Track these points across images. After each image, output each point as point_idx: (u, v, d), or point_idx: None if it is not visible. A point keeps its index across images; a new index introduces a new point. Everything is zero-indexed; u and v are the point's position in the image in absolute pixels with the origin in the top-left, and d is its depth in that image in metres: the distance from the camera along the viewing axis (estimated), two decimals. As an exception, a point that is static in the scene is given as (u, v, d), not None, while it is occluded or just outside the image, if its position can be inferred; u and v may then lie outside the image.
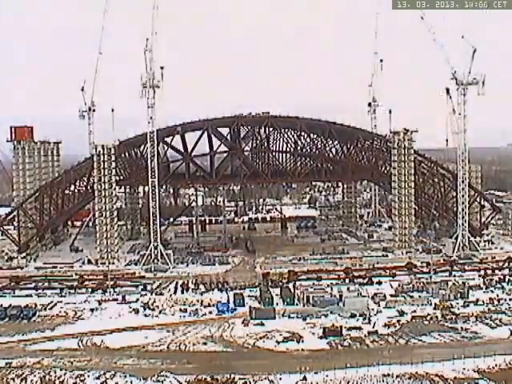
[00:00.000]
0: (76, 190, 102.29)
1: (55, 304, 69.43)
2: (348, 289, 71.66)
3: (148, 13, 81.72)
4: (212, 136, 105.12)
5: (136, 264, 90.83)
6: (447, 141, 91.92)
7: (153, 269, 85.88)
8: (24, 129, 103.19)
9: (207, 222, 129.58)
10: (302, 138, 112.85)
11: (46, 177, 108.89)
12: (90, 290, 74.98)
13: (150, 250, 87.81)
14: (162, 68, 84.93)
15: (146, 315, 65.11)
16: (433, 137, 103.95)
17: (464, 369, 48.77)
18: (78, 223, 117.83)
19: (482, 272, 79.71)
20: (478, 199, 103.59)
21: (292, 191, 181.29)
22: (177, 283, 77.83)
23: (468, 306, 65.76)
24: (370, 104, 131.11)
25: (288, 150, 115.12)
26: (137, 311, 66.34)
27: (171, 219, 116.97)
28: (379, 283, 75.64)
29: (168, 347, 55.38)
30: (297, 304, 67.57)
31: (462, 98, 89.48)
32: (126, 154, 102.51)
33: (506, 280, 75.87)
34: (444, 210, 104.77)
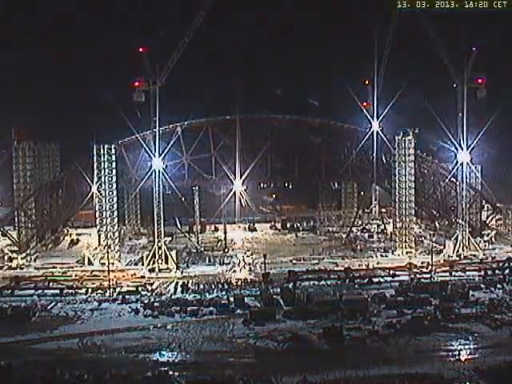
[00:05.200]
0: (76, 190, 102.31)
1: (55, 304, 69.46)
2: (348, 289, 71.71)
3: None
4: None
5: (136, 264, 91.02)
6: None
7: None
8: (24, 129, 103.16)
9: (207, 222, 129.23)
10: (302, 138, 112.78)
11: (46, 177, 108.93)
12: (89, 290, 75.00)
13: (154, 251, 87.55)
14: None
15: (146, 315, 65.20)
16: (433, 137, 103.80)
17: (464, 369, 48.77)
18: (78, 223, 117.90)
19: (483, 272, 79.73)
20: (477, 199, 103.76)
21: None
22: (177, 283, 77.91)
23: (468, 306, 65.76)
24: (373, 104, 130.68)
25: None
26: (137, 311, 66.42)
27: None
28: (379, 283, 75.69)
29: (168, 347, 55.46)
30: (297, 304, 67.54)
31: (461, 99, 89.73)
32: (126, 154, 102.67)
33: (506, 280, 75.98)
34: (444, 210, 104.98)
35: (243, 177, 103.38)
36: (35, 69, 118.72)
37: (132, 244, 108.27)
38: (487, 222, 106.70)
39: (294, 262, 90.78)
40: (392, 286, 73.56)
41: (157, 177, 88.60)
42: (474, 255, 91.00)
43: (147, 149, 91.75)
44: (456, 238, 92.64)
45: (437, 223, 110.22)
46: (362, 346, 54.87)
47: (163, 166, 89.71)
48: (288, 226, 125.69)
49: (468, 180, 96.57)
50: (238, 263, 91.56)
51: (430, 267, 79.63)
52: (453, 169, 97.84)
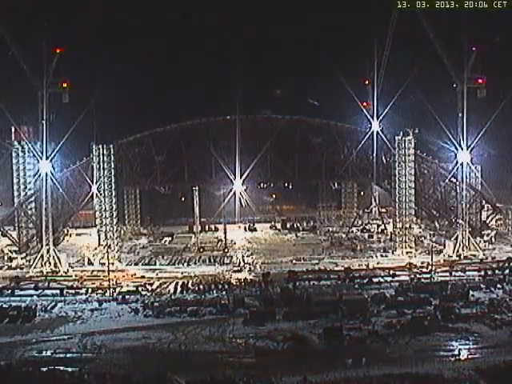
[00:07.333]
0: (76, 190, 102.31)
1: (55, 304, 69.49)
2: (348, 289, 71.68)
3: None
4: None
5: (136, 264, 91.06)
6: None
7: None
8: (24, 129, 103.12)
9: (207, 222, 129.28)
10: (302, 138, 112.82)
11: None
12: (90, 290, 75.00)
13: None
14: None
15: (146, 315, 65.20)
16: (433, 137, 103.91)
17: (464, 369, 48.74)
18: (78, 223, 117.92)
19: (483, 272, 79.72)
20: (477, 199, 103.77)
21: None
22: (177, 283, 77.91)
23: (468, 306, 65.72)
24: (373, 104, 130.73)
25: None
26: (137, 311, 66.42)
27: None
28: (379, 283, 75.69)
29: (168, 347, 55.45)
30: (297, 304, 67.51)
31: (461, 99, 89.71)
32: (126, 154, 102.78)
33: (506, 280, 75.99)
34: (444, 210, 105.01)
35: (243, 177, 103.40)
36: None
37: (132, 244, 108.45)
38: (487, 221, 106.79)
39: (294, 262, 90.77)
40: (392, 286, 73.54)
41: (44, 180, 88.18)
42: (474, 255, 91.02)
43: (35, 152, 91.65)
44: (456, 238, 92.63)
45: (437, 223, 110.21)
46: (361, 346, 54.89)
47: (51, 168, 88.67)
48: (288, 226, 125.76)
49: (468, 180, 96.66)
50: (238, 263, 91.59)
51: (430, 267, 79.67)
52: (453, 169, 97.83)
